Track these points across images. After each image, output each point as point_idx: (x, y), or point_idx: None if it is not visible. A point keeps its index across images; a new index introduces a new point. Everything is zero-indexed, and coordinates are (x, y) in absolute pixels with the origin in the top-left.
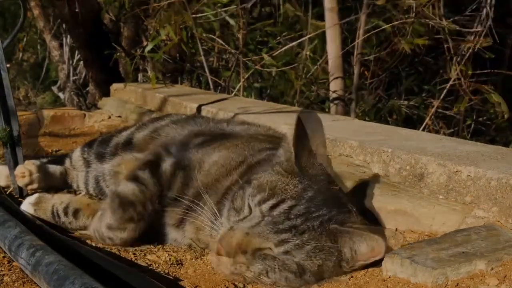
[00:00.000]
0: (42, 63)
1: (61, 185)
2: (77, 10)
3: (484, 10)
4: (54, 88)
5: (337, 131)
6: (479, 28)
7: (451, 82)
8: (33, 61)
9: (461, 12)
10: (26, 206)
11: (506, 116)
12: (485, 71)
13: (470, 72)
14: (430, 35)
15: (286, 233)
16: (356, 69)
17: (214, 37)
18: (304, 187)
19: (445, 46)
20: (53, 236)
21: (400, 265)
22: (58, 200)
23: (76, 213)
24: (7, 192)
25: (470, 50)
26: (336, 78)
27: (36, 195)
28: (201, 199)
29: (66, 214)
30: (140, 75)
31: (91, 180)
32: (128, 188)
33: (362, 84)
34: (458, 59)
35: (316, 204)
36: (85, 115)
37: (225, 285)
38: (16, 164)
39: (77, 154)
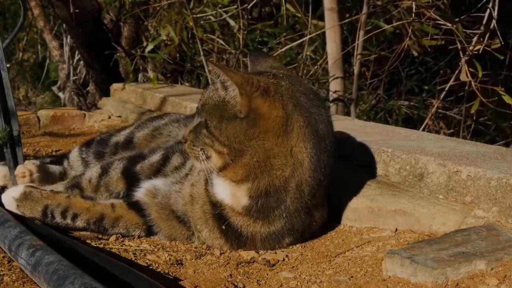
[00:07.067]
0: (42, 63)
1: None
2: (77, 10)
3: (488, 11)
4: (54, 88)
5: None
6: (482, 30)
7: (467, 86)
8: (33, 61)
9: (461, 13)
10: (9, 200)
11: None
12: (487, 72)
13: (480, 74)
14: (440, 36)
15: None
16: (356, 69)
17: (215, 37)
18: None
19: (459, 47)
20: (52, 235)
21: (400, 265)
22: (54, 201)
23: (75, 217)
24: None
25: (477, 52)
26: (336, 78)
27: (21, 189)
28: None
29: (64, 217)
30: (140, 75)
31: None
32: None
33: (362, 84)
34: (467, 59)
35: None
36: (85, 115)
37: (225, 285)
38: (16, 164)
39: (74, 154)
